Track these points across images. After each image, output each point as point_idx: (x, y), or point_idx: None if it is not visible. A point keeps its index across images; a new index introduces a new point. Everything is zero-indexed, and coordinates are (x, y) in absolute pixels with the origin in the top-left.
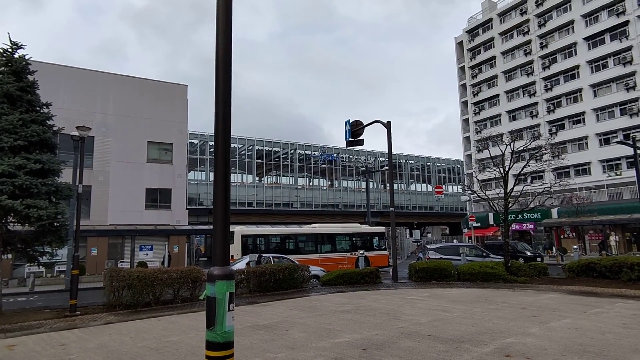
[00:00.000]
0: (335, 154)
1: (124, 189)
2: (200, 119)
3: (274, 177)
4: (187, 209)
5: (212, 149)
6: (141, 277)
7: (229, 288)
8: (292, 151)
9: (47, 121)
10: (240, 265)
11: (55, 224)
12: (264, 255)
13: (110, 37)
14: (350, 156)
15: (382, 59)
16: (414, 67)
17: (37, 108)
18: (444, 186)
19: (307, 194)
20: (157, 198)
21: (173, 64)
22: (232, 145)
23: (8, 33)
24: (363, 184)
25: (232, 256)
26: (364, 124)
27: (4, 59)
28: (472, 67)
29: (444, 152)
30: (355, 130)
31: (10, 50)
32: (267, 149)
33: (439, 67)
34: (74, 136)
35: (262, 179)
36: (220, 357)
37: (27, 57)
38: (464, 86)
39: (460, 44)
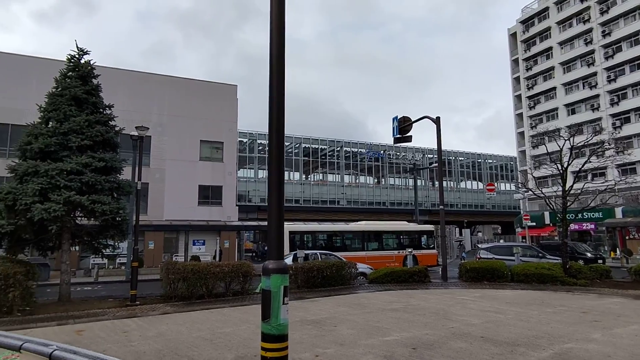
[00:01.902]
0: (381, 151)
1: (178, 186)
2: (246, 117)
3: (321, 174)
4: (237, 205)
5: (260, 147)
6: (195, 271)
7: (283, 282)
8: (338, 148)
9: (110, 122)
10: (288, 261)
11: (117, 218)
12: (311, 251)
13: (159, 39)
14: (397, 153)
15: (427, 53)
16: (460, 61)
17: (101, 110)
18: (495, 184)
19: (353, 192)
20: (209, 195)
21: (217, 63)
22: None
23: (75, 40)
24: (410, 182)
25: None
26: (412, 120)
27: (71, 64)
28: (526, 59)
29: (495, 147)
30: (403, 126)
31: (77, 56)
32: (313, 146)
33: (488, 59)
34: (132, 136)
35: (309, 176)
36: (275, 349)
37: (91, 62)
38: (517, 79)
39: (513, 35)
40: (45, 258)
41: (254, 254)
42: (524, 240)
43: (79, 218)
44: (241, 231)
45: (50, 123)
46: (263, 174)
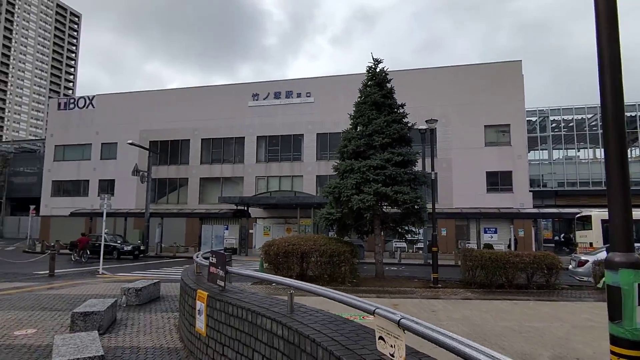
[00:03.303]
0: None
1: (465, 174)
2: (529, 92)
3: None
4: (530, 191)
5: (553, 125)
6: (493, 259)
7: (636, 279)
8: None
9: (403, 119)
10: (602, 255)
11: (415, 206)
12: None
13: (430, 34)
14: None
15: None
16: None
17: (395, 110)
18: None
19: None
20: (497, 181)
21: (489, 41)
22: (579, 116)
23: (371, 53)
24: None
25: (591, 244)
26: None
27: (369, 74)
28: None
29: None
30: None
31: (373, 66)
32: (629, 114)
33: None
34: (421, 129)
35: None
36: (631, 357)
37: (385, 69)
38: None
39: None
40: (363, 240)
41: (555, 245)
42: None
43: (385, 207)
44: (537, 219)
45: (358, 127)
46: (559, 154)
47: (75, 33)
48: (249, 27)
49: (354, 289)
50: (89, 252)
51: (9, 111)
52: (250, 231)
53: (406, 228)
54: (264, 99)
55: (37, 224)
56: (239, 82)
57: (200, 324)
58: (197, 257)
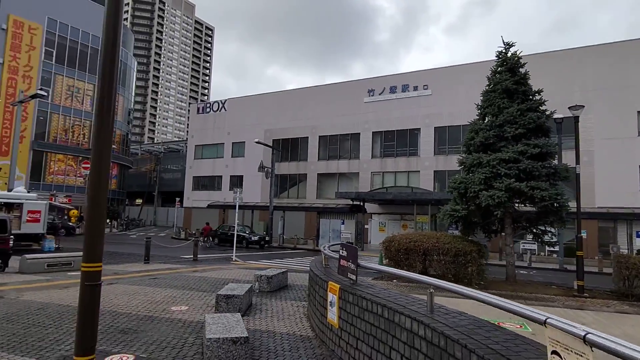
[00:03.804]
0: None
1: (611, 169)
2: None
3: None
4: None
5: None
6: None
7: None
8: None
9: (540, 107)
10: None
11: (555, 204)
12: None
13: (559, 13)
14: None
15: None
16: None
17: (530, 97)
18: None
19: None
20: None
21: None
22: None
23: (501, 36)
24: None
25: None
26: None
27: (499, 59)
28: None
29: None
30: None
31: (504, 50)
32: None
33: None
34: (556, 119)
35: None
36: None
37: (517, 53)
38: None
39: None
40: (488, 241)
41: None
42: None
43: (517, 204)
44: None
45: (487, 118)
46: None
47: (210, 45)
48: (360, 25)
49: (483, 292)
50: (211, 239)
51: (158, 117)
52: (366, 226)
53: (542, 228)
54: (379, 94)
55: (181, 214)
56: (353, 79)
57: (333, 315)
58: (325, 249)
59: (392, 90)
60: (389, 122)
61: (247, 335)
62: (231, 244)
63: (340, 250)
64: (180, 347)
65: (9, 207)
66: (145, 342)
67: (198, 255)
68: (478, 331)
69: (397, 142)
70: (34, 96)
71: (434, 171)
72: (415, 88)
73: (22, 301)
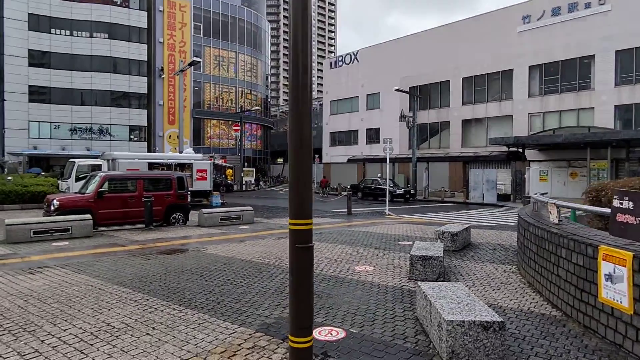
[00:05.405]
0: None
1: None
2: None
3: None
4: None
5: None
6: None
7: None
8: None
9: None
10: None
11: None
12: None
13: None
14: None
15: None
16: None
17: None
18: None
19: None
20: None
21: None
22: None
23: None
24: None
25: None
26: None
27: None
28: None
29: None
30: None
31: None
32: None
33: None
34: None
35: None
36: None
37: None
38: None
39: None
40: None
41: None
42: None
43: None
44: None
45: None
46: None
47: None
48: None
49: None
50: (328, 190)
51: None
52: (524, 176)
53: None
54: (537, 19)
55: (321, 171)
56: (501, 7)
57: (616, 295)
58: (541, 199)
59: (555, 12)
60: (551, 52)
61: (502, 319)
62: (374, 198)
63: (619, 200)
64: (391, 321)
65: (182, 167)
66: (346, 310)
67: (352, 210)
68: None
69: (562, 75)
70: (191, 63)
71: (615, 106)
72: (587, 5)
73: (208, 255)
